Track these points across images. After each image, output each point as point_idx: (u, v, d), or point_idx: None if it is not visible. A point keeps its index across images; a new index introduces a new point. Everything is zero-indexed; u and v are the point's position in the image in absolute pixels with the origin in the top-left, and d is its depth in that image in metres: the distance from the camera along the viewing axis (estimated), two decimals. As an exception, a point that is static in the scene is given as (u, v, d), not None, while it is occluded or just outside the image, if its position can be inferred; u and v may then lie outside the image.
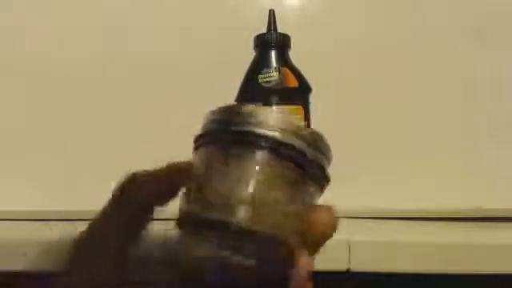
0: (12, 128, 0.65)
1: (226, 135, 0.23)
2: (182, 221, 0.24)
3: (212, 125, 0.24)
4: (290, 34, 0.43)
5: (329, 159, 0.25)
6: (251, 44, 0.43)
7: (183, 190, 0.25)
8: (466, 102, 0.64)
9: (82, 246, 0.27)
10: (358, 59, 0.64)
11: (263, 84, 0.40)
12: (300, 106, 0.40)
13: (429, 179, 0.61)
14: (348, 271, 0.40)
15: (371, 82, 0.64)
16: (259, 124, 0.23)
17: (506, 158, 0.62)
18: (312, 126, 0.41)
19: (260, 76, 0.41)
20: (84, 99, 0.65)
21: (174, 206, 0.25)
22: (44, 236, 0.44)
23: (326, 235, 0.24)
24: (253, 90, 0.41)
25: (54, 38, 0.67)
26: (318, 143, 0.24)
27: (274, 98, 0.40)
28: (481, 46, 0.65)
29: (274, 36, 0.42)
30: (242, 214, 0.22)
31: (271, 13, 0.43)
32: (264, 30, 0.43)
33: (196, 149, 0.25)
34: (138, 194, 0.26)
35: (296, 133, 0.23)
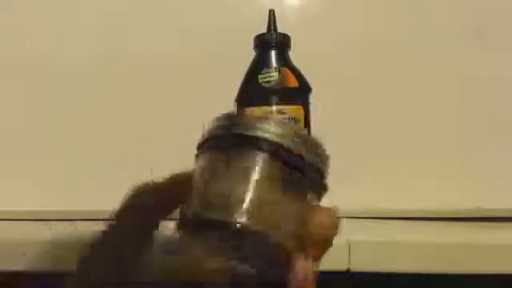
0: (12, 128, 0.65)
1: (227, 139, 0.24)
2: (182, 221, 0.24)
3: (214, 131, 0.25)
4: (290, 34, 0.43)
5: (327, 167, 0.25)
6: (251, 44, 0.43)
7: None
8: (466, 102, 0.64)
9: (98, 247, 0.27)
10: (358, 59, 0.64)
11: (263, 84, 0.40)
12: (300, 106, 0.40)
13: (429, 179, 0.61)
14: (348, 271, 0.40)
15: (371, 82, 0.64)
16: (260, 128, 0.23)
17: (506, 158, 0.62)
18: (312, 126, 0.41)
19: (260, 76, 0.41)
20: (84, 99, 0.65)
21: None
22: (44, 236, 0.44)
23: (327, 237, 0.24)
24: (253, 89, 0.41)
25: (53, 38, 0.67)
26: (317, 149, 0.25)
27: (274, 98, 0.40)
28: (481, 46, 0.65)
29: (274, 36, 0.42)
30: (242, 214, 0.22)
31: (271, 13, 0.43)
32: (264, 29, 0.43)
33: (197, 155, 0.26)
34: (141, 209, 0.26)
35: (296, 138, 0.24)
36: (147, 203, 0.27)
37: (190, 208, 0.24)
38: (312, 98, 0.41)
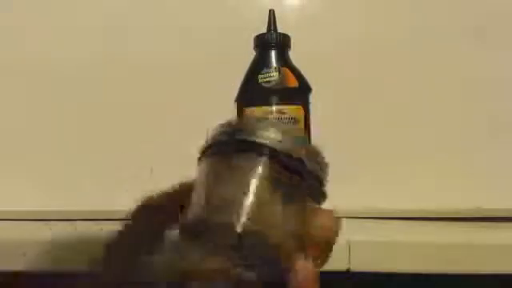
0: (12, 128, 0.65)
1: (230, 145, 0.25)
2: (184, 226, 0.24)
3: (217, 137, 0.26)
4: (290, 34, 0.43)
5: (326, 174, 0.26)
6: (251, 44, 0.43)
7: None
8: (466, 102, 0.64)
9: (113, 247, 0.27)
10: (358, 59, 0.64)
11: (263, 84, 0.40)
12: (300, 106, 0.40)
13: (429, 179, 0.61)
14: (348, 271, 0.40)
15: (371, 82, 0.64)
16: (261, 135, 0.24)
17: (506, 158, 0.62)
18: (312, 126, 0.41)
19: (260, 76, 0.41)
20: (84, 99, 0.65)
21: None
22: (44, 236, 0.44)
23: (328, 239, 0.25)
24: (253, 89, 0.41)
25: (53, 38, 0.67)
26: (316, 157, 0.26)
27: (274, 98, 0.40)
28: (481, 46, 0.65)
29: (274, 36, 0.42)
30: (243, 216, 0.23)
31: (271, 13, 0.43)
32: (264, 29, 0.43)
33: (200, 159, 0.26)
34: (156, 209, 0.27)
35: (296, 144, 0.24)
36: (161, 204, 0.27)
37: (192, 212, 0.24)
38: (312, 98, 0.41)
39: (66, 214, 0.57)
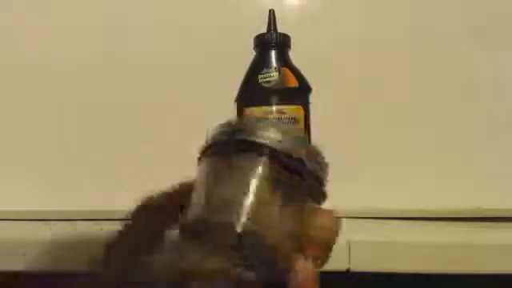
0: (12, 128, 0.65)
1: (230, 145, 0.25)
2: (184, 225, 0.24)
3: (217, 137, 0.26)
4: (290, 34, 0.43)
5: (326, 174, 0.26)
6: (251, 44, 0.43)
7: None
8: (466, 102, 0.64)
9: (112, 247, 0.27)
10: (358, 59, 0.64)
11: (263, 84, 0.40)
12: (300, 106, 0.40)
13: (429, 179, 0.61)
14: (348, 271, 0.40)
15: (371, 82, 0.64)
16: (261, 135, 0.24)
17: (506, 158, 0.62)
18: (312, 126, 0.41)
19: (260, 76, 0.41)
20: (84, 99, 0.65)
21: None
22: (44, 236, 0.44)
23: (328, 240, 0.25)
24: (253, 89, 0.41)
25: (54, 38, 0.67)
26: (317, 157, 0.26)
27: (274, 98, 0.40)
28: (481, 46, 0.65)
29: (274, 36, 0.42)
30: (243, 216, 0.23)
31: (271, 13, 0.43)
32: (264, 30, 0.43)
33: (200, 159, 0.26)
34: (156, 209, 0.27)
35: (296, 144, 0.25)
36: (161, 204, 0.28)
37: (192, 212, 0.24)
38: (312, 97, 0.41)
39: (65, 213, 0.57)
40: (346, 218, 0.55)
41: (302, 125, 0.40)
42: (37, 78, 0.66)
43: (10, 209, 0.58)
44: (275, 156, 0.24)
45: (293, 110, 0.40)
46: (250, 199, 0.23)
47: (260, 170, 0.24)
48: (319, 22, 0.66)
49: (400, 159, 0.63)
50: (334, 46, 0.65)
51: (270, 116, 0.39)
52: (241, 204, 0.23)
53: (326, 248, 0.25)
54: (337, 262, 0.39)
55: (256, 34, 0.43)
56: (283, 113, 0.39)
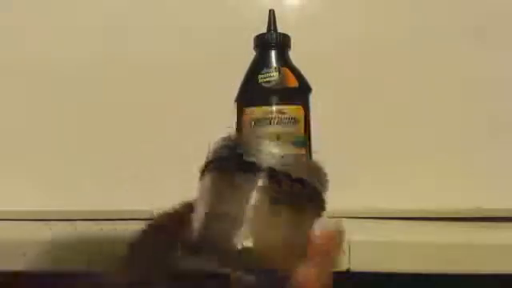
0: (12, 128, 0.65)
1: (230, 161, 0.25)
2: (184, 241, 0.25)
3: (218, 152, 0.26)
4: (290, 34, 0.43)
5: (326, 190, 0.27)
6: (251, 44, 0.43)
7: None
8: (466, 102, 0.64)
9: (135, 248, 0.27)
10: (358, 59, 0.64)
11: (263, 84, 0.40)
12: (300, 106, 0.40)
13: (429, 179, 0.61)
14: (348, 271, 0.40)
15: (371, 82, 0.64)
16: (262, 154, 0.25)
17: (506, 158, 0.62)
18: (312, 126, 0.41)
19: (260, 76, 0.41)
20: (84, 99, 0.65)
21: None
22: (44, 236, 0.44)
23: (330, 248, 0.25)
24: (253, 89, 0.41)
25: (54, 38, 0.67)
26: (318, 174, 0.26)
27: (274, 98, 0.40)
28: (481, 46, 0.64)
29: (274, 36, 0.42)
30: (242, 233, 0.23)
31: (271, 13, 0.43)
32: (264, 30, 0.43)
33: (202, 174, 0.27)
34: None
35: (297, 162, 0.25)
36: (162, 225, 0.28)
37: (193, 229, 0.25)
38: (312, 97, 0.41)
39: (65, 213, 0.57)
40: (346, 217, 0.55)
41: (301, 125, 0.40)
42: (37, 78, 0.66)
43: (9, 209, 0.58)
44: (275, 176, 0.24)
45: (293, 110, 0.40)
46: (250, 217, 0.24)
47: (260, 189, 0.24)
48: (319, 22, 0.66)
49: (400, 159, 0.63)
50: (334, 46, 0.65)
51: (270, 116, 0.39)
52: (241, 222, 0.23)
53: (328, 257, 0.25)
54: (337, 262, 0.39)
55: (256, 33, 0.43)
56: (283, 113, 0.39)
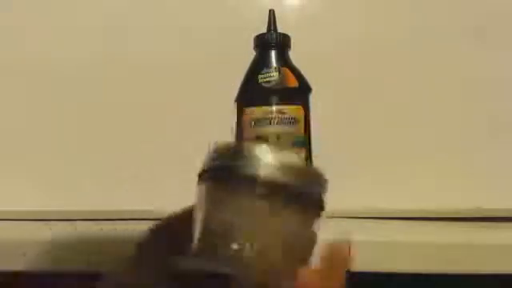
0: (12, 128, 0.65)
1: (225, 171, 0.25)
2: (182, 251, 0.25)
3: (213, 161, 0.26)
4: (290, 34, 0.43)
5: (324, 191, 0.27)
6: (251, 44, 0.43)
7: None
8: (466, 102, 0.64)
9: (145, 247, 0.28)
10: (358, 59, 0.64)
11: (263, 84, 0.40)
12: (300, 106, 0.40)
13: (429, 179, 0.61)
14: (348, 271, 0.40)
15: (371, 82, 0.64)
16: (258, 164, 0.24)
17: (506, 158, 0.62)
18: (312, 126, 0.41)
19: (260, 76, 0.41)
20: (84, 99, 0.65)
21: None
22: (44, 236, 0.44)
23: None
24: (253, 89, 0.41)
25: (54, 38, 0.67)
26: (317, 180, 0.26)
27: (274, 98, 0.40)
28: (481, 46, 0.65)
29: (274, 36, 0.42)
30: (238, 242, 0.23)
31: (271, 13, 0.43)
32: (264, 30, 0.43)
33: (199, 182, 0.27)
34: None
35: (295, 172, 0.25)
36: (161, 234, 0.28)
37: (192, 239, 0.25)
38: (312, 97, 0.41)
39: (65, 213, 0.57)
40: (346, 217, 0.55)
41: (301, 125, 0.40)
42: (37, 77, 0.66)
43: (10, 209, 0.58)
44: (271, 186, 0.24)
45: (293, 110, 0.40)
46: (246, 226, 0.24)
47: (256, 198, 0.24)
48: (319, 22, 0.66)
49: (400, 159, 0.63)
50: (334, 46, 0.65)
51: (270, 116, 0.39)
52: (240, 226, 0.23)
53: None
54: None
55: (256, 34, 0.43)
56: (283, 113, 0.39)
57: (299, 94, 0.41)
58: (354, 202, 0.56)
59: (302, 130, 0.40)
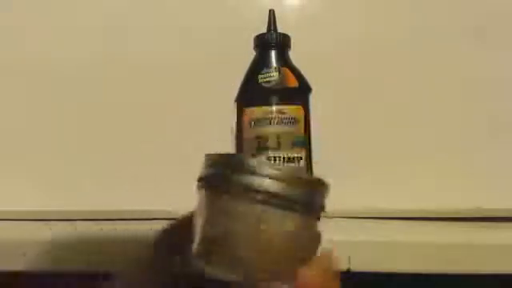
0: (12, 128, 0.65)
1: (222, 180, 0.25)
2: (183, 258, 0.25)
3: (212, 170, 0.26)
4: (290, 34, 0.43)
5: (324, 197, 0.27)
6: (251, 44, 0.43)
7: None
8: (466, 102, 0.64)
9: (159, 246, 0.28)
10: (358, 59, 0.64)
11: (263, 84, 0.40)
12: (300, 106, 0.40)
13: (429, 179, 0.61)
14: (348, 271, 0.40)
15: (371, 82, 0.64)
16: (254, 176, 0.24)
17: (506, 158, 0.62)
18: (312, 126, 0.41)
19: (260, 76, 0.41)
20: (84, 99, 0.65)
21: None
22: (44, 236, 0.44)
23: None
24: (253, 89, 0.41)
25: (54, 38, 0.67)
26: (320, 189, 0.26)
27: (274, 98, 0.40)
28: (481, 46, 0.65)
29: (274, 36, 0.42)
30: (237, 247, 0.24)
31: (271, 13, 0.43)
32: (264, 30, 0.43)
33: (198, 188, 0.27)
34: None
35: (290, 182, 0.25)
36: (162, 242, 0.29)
37: (192, 245, 0.25)
38: (312, 97, 0.41)
39: (65, 213, 0.57)
40: (346, 217, 0.55)
41: (301, 125, 0.40)
42: (37, 77, 0.66)
43: (9, 209, 0.58)
44: (268, 198, 0.24)
45: (293, 110, 0.40)
46: (243, 234, 0.24)
47: (253, 207, 0.24)
48: (319, 22, 0.66)
49: (400, 159, 0.63)
50: (334, 46, 0.65)
51: (270, 116, 0.39)
52: (235, 236, 0.24)
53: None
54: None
55: (256, 34, 0.43)
56: (283, 113, 0.39)
57: (299, 94, 0.41)
58: (354, 202, 0.56)
59: (302, 130, 0.40)
